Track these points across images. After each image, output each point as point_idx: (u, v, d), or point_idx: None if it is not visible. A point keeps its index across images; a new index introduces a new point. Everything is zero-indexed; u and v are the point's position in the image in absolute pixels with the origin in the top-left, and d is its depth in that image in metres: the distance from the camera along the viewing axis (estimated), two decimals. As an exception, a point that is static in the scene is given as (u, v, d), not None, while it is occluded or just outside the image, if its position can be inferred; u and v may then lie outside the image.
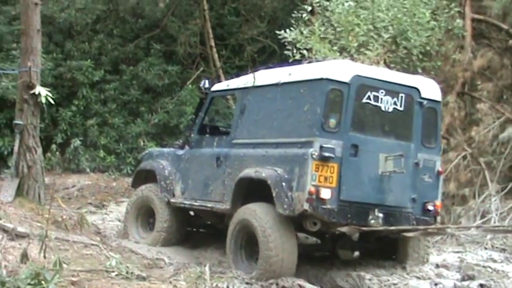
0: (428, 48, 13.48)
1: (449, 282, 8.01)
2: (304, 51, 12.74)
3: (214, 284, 6.75)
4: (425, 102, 8.25)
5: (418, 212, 8.18)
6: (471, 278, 8.18)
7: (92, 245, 8.20)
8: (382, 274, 8.18)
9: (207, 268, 7.81)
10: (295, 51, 12.77)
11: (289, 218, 7.76)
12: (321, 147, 7.58)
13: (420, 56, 13.35)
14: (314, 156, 7.54)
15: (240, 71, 14.52)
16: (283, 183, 7.73)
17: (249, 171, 8.21)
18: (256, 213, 7.96)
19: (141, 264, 8.24)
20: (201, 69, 17.87)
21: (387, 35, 12.94)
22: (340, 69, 7.89)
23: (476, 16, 14.88)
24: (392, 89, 8.04)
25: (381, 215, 7.85)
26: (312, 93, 7.86)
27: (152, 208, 9.81)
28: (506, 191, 13.65)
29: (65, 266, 4.69)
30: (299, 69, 8.63)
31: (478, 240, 11.75)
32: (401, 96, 8.09)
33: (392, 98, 8.03)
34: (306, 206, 7.51)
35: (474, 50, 14.68)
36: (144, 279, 5.87)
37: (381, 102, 7.97)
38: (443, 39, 14.19)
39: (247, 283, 7.52)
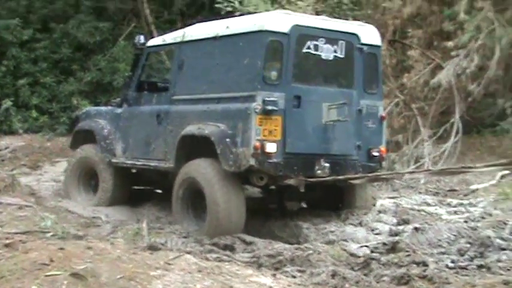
0: (358, -4, 13.59)
1: (385, 227, 8.06)
2: (236, 3, 12.64)
3: (152, 240, 6.71)
4: (365, 48, 8.21)
5: (364, 158, 8.20)
6: (406, 222, 8.23)
7: (27, 206, 8.05)
8: (319, 222, 8.20)
9: (144, 224, 7.74)
10: (225, 4, 12.66)
11: (235, 173, 7.71)
12: (264, 100, 7.49)
13: (350, 5, 13.43)
14: (257, 111, 7.45)
15: (171, 26, 14.33)
16: (227, 139, 7.63)
17: (192, 128, 8.09)
18: (202, 169, 7.88)
19: (78, 223, 8.15)
20: (133, 25, 17.54)
21: (318, -15, 12.96)
22: (279, 20, 7.77)
23: (404, -37, 15.00)
24: (332, 37, 7.98)
25: (327, 164, 7.84)
26: (251, 45, 7.75)
27: (93, 169, 9.67)
28: (438, 135, 14.00)
29: (-2, 228, 4.59)
30: (236, 21, 8.50)
31: (412, 185, 12.02)
32: (341, 44, 8.03)
33: (333, 45, 7.97)
34: (252, 161, 7.44)
35: (404, -3, 14.83)
36: (80, 238, 5.78)
37: (322, 51, 7.90)
38: (373, -12, 14.32)
39: (184, 237, 7.47)
